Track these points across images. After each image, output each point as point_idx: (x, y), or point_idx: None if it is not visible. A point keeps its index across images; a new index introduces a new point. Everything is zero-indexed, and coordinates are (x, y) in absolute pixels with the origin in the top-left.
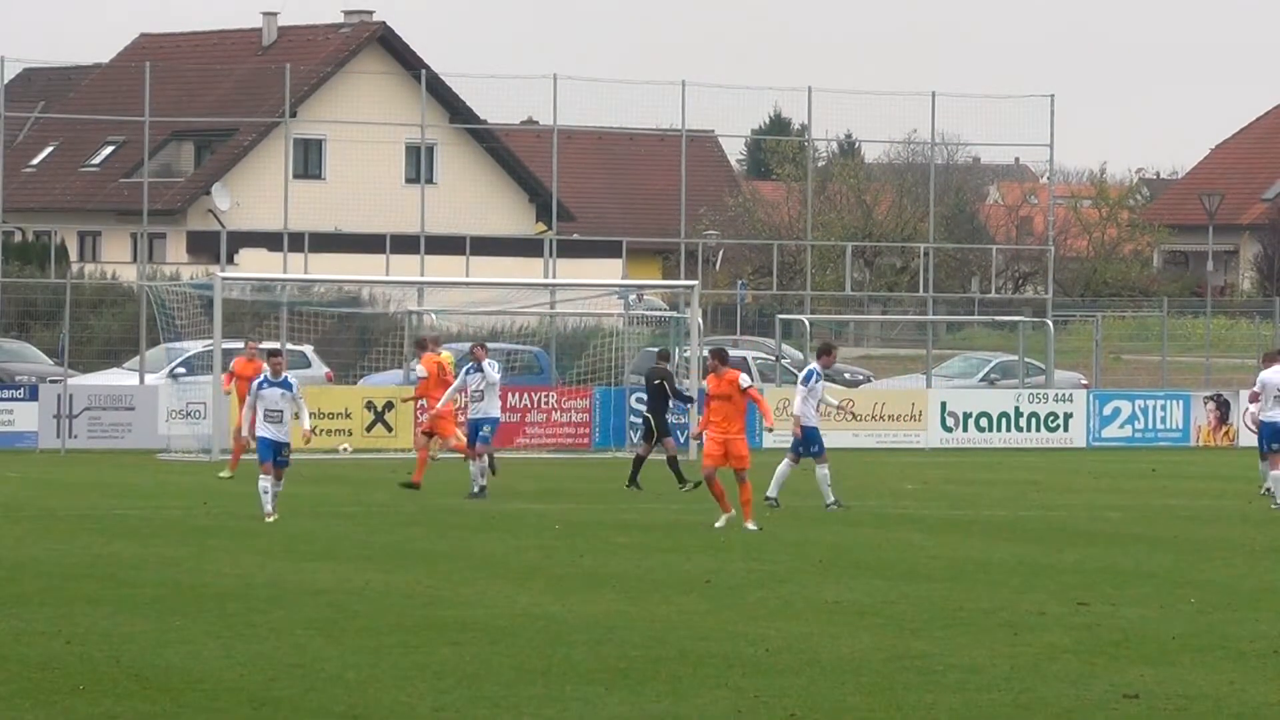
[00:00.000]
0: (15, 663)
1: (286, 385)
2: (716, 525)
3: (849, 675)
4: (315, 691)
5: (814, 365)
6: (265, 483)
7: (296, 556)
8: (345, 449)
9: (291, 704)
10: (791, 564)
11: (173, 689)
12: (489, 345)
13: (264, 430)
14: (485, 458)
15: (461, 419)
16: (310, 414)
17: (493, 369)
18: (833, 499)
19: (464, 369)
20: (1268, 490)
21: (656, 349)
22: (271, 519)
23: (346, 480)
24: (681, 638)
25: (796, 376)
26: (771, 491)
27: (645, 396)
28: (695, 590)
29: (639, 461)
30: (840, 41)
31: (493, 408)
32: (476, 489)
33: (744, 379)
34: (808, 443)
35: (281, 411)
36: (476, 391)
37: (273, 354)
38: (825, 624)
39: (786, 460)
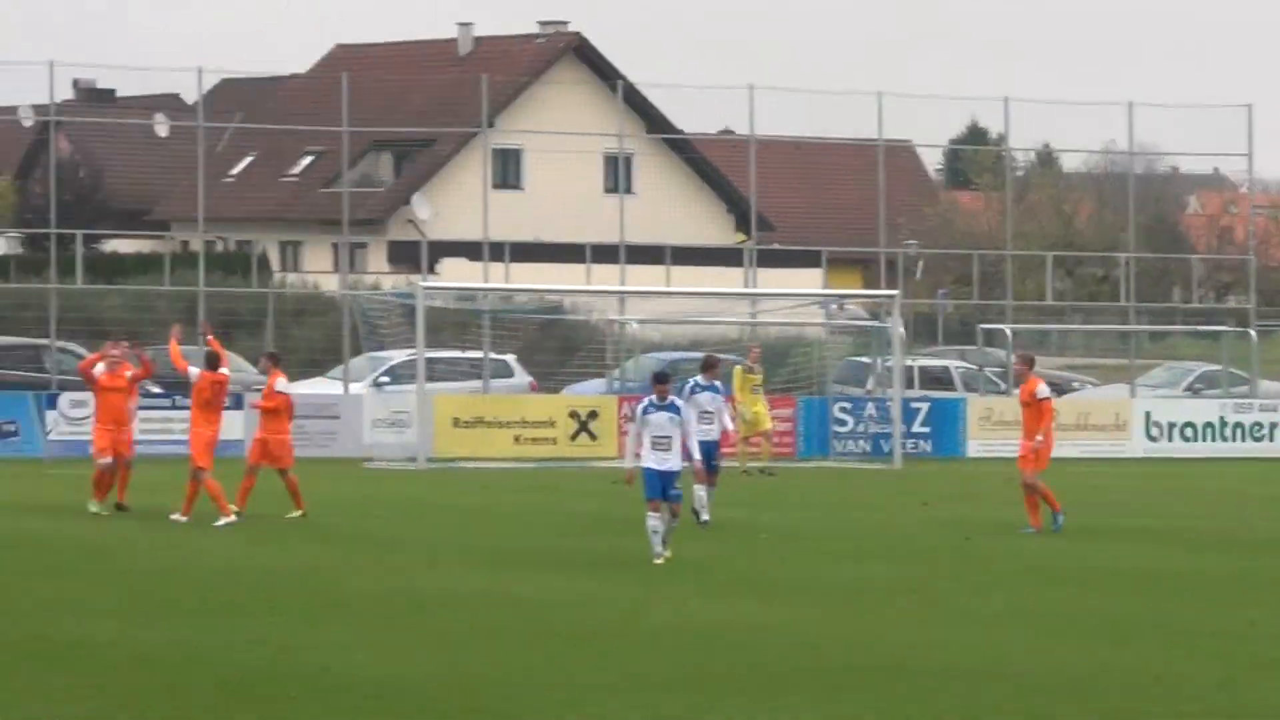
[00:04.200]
0: (227, 669)
1: (674, 409)
2: None
3: (1062, 686)
4: (517, 701)
5: None
6: (654, 521)
7: (500, 566)
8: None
9: (494, 713)
10: (1001, 572)
11: (382, 698)
12: (717, 356)
13: (651, 460)
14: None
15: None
16: (515, 422)
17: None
18: None
19: (688, 385)
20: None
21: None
22: (661, 560)
23: (552, 489)
24: (888, 647)
25: (999, 386)
26: None
27: None
28: (901, 599)
29: None
30: (1037, 49)
31: (717, 429)
32: (706, 516)
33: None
34: None
35: (670, 438)
36: (707, 413)
37: (660, 378)
38: (1029, 634)
39: None
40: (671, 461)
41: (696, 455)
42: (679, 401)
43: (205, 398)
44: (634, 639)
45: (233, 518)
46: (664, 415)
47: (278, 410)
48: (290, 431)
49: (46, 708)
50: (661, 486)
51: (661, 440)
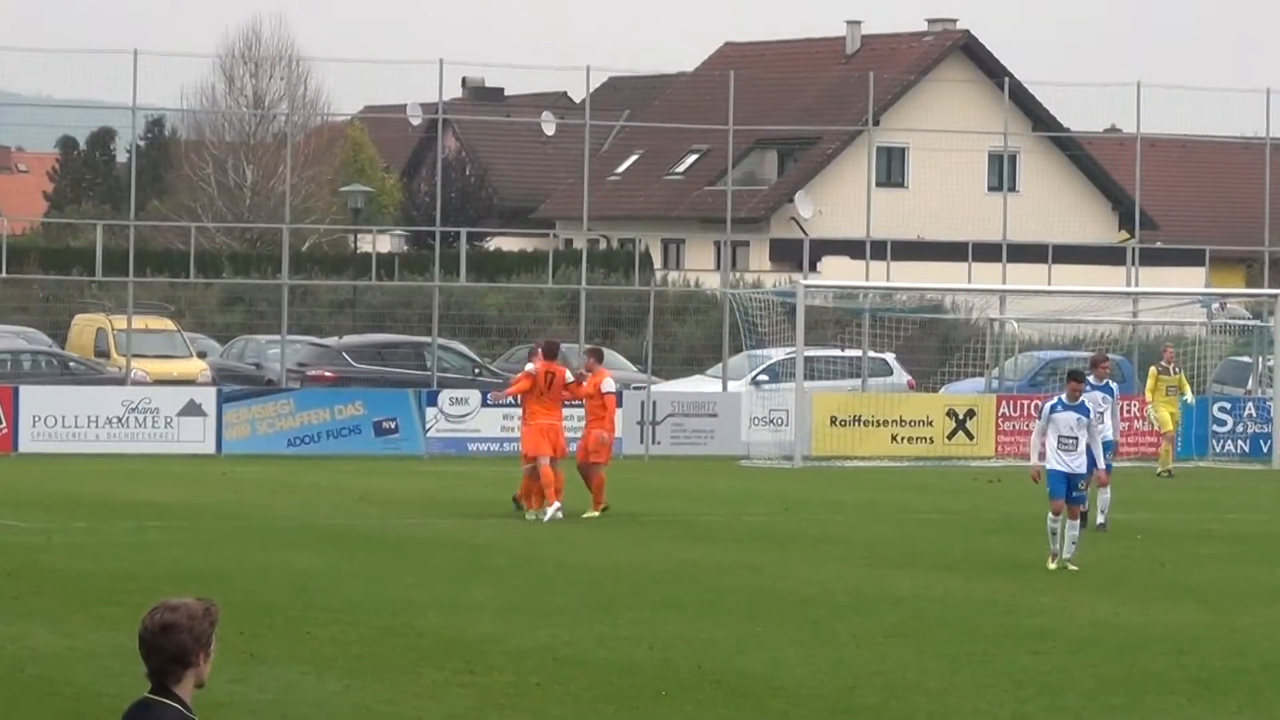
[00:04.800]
0: (598, 667)
1: (1083, 410)
2: None
3: None
4: (896, 699)
5: None
6: (1055, 524)
7: (876, 564)
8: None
9: (872, 711)
10: None
11: (754, 695)
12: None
13: (1056, 461)
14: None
15: None
16: (892, 421)
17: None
18: None
19: None
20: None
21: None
22: (1056, 564)
23: (926, 488)
24: (1264, 650)
25: None
26: None
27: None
28: (1279, 601)
29: None
30: None
31: (1109, 429)
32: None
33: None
34: None
35: (1077, 439)
36: (1097, 413)
37: (1074, 376)
38: None
39: None
40: (1077, 463)
41: (1100, 463)
42: (1088, 403)
43: (542, 387)
44: (1017, 639)
45: (557, 505)
46: (1072, 415)
47: (607, 409)
48: (612, 429)
49: (418, 703)
50: (1066, 488)
51: (1068, 440)
